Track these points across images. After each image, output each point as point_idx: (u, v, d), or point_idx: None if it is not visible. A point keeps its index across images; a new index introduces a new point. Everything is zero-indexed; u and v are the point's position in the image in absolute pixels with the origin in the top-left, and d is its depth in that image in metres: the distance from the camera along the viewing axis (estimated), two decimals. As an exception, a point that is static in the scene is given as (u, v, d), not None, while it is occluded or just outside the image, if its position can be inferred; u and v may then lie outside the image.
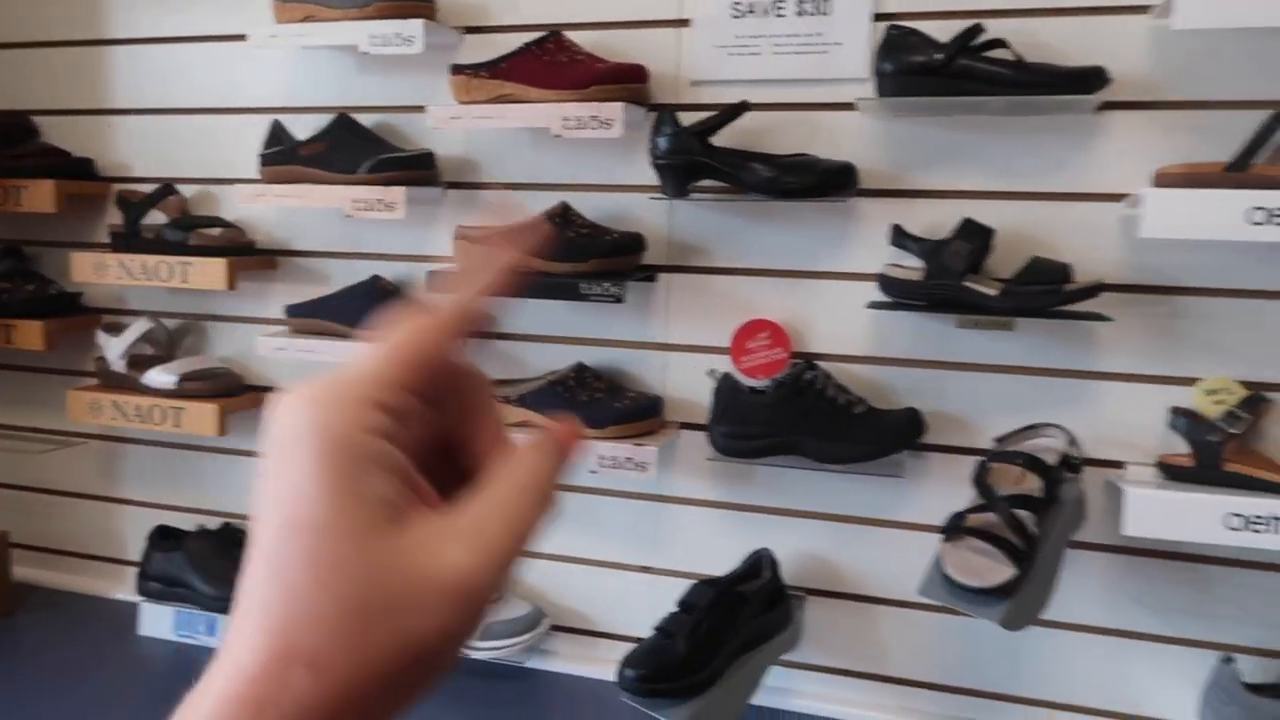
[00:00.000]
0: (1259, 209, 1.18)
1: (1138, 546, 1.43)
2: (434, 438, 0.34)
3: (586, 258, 1.47)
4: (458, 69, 1.55)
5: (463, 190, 1.68)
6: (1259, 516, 1.23)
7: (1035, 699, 1.51)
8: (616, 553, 1.68)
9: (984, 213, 1.41)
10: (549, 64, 1.48)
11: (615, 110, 1.44)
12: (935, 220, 1.43)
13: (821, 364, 1.50)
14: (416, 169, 1.60)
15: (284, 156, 1.68)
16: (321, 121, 1.68)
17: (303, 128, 1.71)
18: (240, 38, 1.71)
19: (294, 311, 1.72)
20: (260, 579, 0.28)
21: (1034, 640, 1.49)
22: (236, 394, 1.81)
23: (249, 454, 1.87)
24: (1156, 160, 1.33)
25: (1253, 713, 1.32)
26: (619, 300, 1.45)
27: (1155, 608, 1.44)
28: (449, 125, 1.54)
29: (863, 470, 1.45)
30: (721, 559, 1.57)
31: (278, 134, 1.71)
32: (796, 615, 1.53)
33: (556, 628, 1.71)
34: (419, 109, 1.64)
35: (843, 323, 1.52)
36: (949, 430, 1.49)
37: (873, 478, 1.50)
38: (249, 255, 1.77)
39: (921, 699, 1.56)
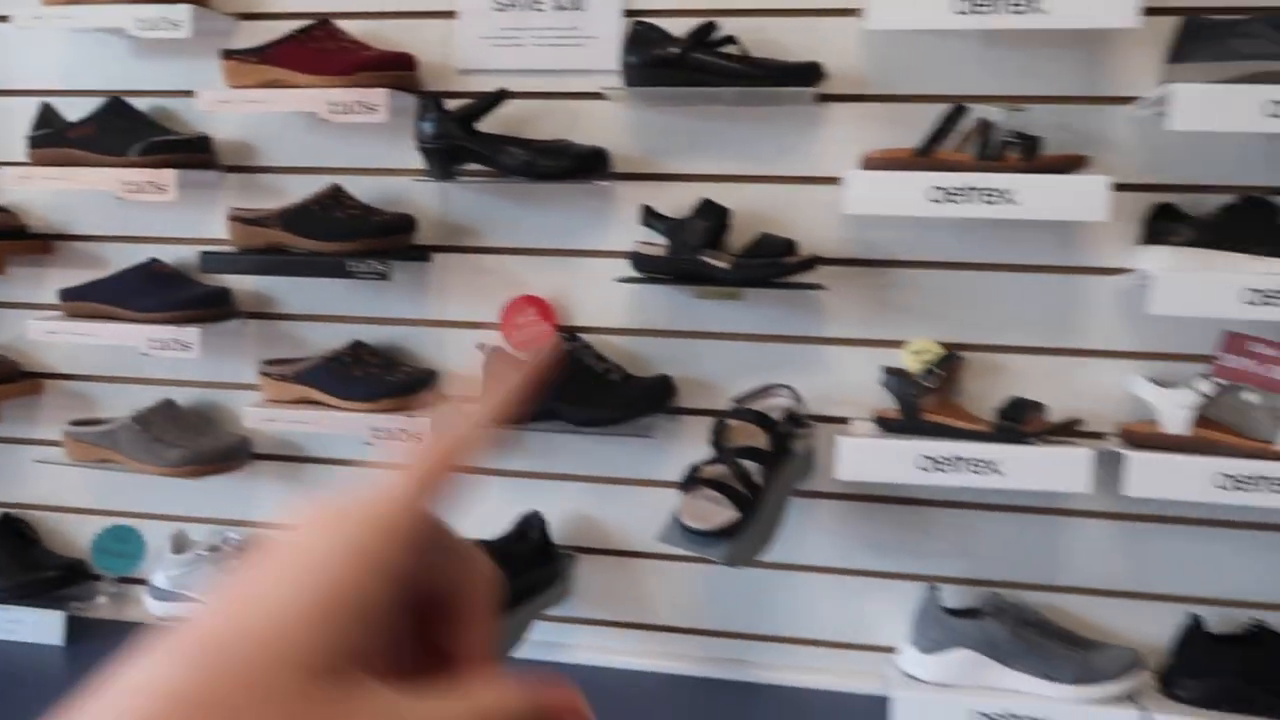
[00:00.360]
0: (938, 189, 1.36)
1: (863, 493, 1.60)
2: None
3: (355, 237, 1.54)
4: (227, 54, 1.59)
5: (241, 174, 1.71)
6: (945, 458, 1.41)
7: (783, 636, 1.66)
8: (402, 523, 1.75)
9: (724, 194, 1.55)
10: (316, 51, 1.54)
11: (380, 96, 1.51)
12: (683, 201, 1.56)
13: (584, 336, 1.62)
14: (189, 152, 1.63)
15: (53, 139, 1.68)
16: (97, 105, 1.69)
17: (79, 111, 1.70)
18: (4, 19, 1.69)
19: (68, 295, 1.72)
20: (181, 664, 0.25)
21: (779, 583, 1.65)
22: (10, 380, 1.78)
23: (24, 442, 1.85)
24: (866, 146, 1.50)
25: (951, 632, 1.50)
26: (384, 277, 1.53)
27: (878, 547, 1.62)
28: (219, 109, 1.57)
29: (620, 433, 1.56)
30: (499, 523, 1.67)
31: (47, 116, 1.70)
32: (565, 572, 1.63)
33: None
34: (193, 93, 1.67)
35: (603, 297, 1.63)
36: (698, 394, 1.62)
37: (635, 440, 1.62)
38: (20, 239, 1.75)
39: (684, 644, 1.69)
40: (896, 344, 1.55)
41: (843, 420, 1.59)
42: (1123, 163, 1.47)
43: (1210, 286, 1.33)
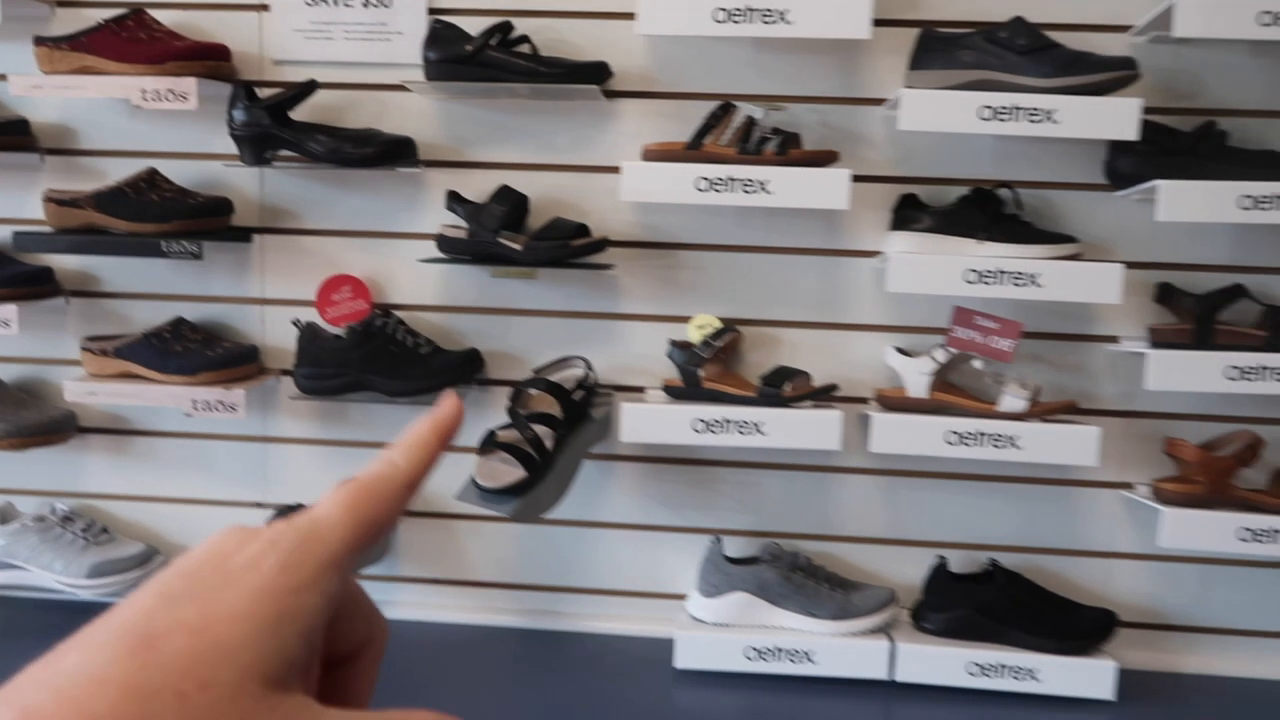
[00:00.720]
0: (703, 179, 1.51)
1: (658, 455, 1.75)
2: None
3: (169, 219, 1.62)
4: (39, 40, 1.64)
5: (62, 156, 1.76)
6: (715, 420, 1.57)
7: (588, 588, 1.81)
8: (229, 491, 1.83)
9: (525, 181, 1.68)
10: (128, 40, 1.60)
11: (190, 85, 1.58)
12: (488, 187, 1.68)
13: (399, 313, 1.72)
14: (6, 135, 1.67)
15: None
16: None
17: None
18: None
19: (-113, 274, 1.74)
20: (115, 653, 0.25)
21: (585, 539, 1.79)
22: None
23: None
24: (652, 139, 1.64)
25: (729, 578, 1.67)
26: (197, 257, 1.61)
27: (672, 504, 1.78)
28: (31, 94, 1.62)
29: (431, 402, 1.68)
30: (319, 489, 1.77)
31: None
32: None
33: (175, 565, 1.84)
34: (4, 78, 1.71)
35: (415, 276, 1.74)
36: (506, 365, 1.75)
37: (446, 410, 1.74)
38: None
39: (501, 598, 1.83)
40: (684, 319, 1.71)
41: (639, 389, 1.74)
42: (877, 157, 1.65)
43: (936, 267, 1.52)
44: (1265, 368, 1.49)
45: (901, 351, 1.65)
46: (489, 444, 1.56)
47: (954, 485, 1.73)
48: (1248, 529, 1.52)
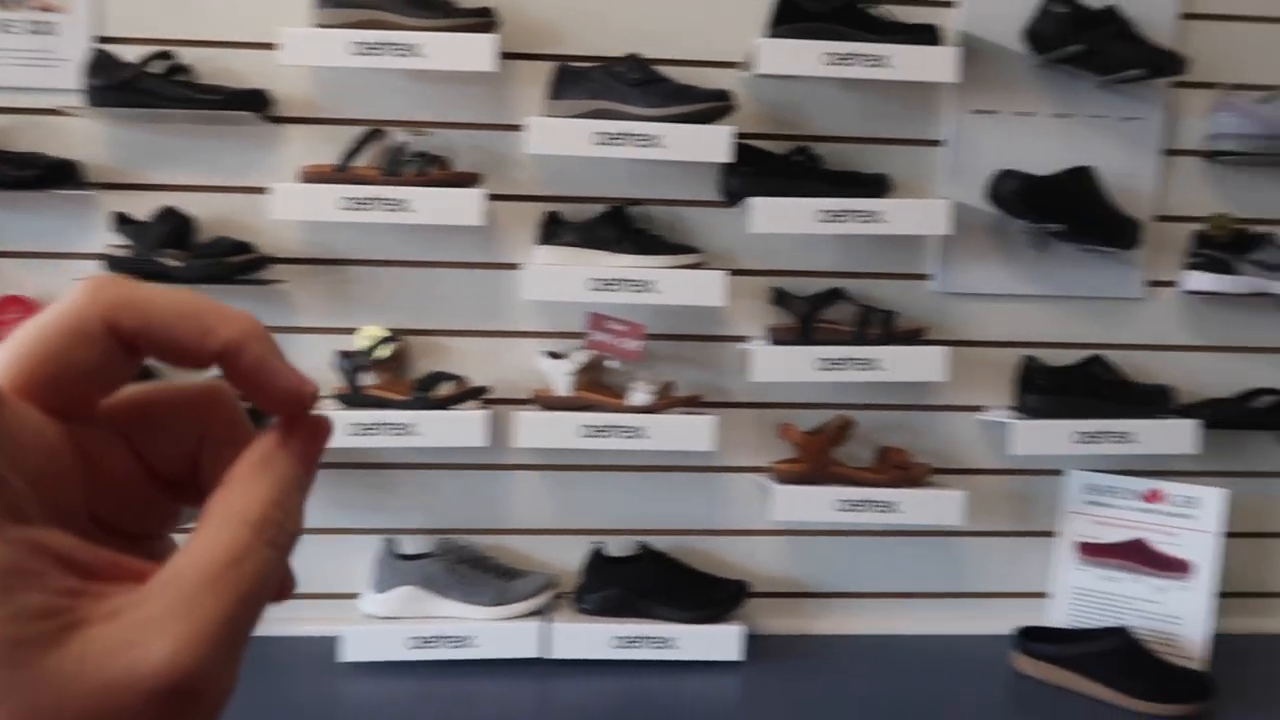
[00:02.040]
0: (348, 198, 1.63)
1: (338, 461, 1.85)
2: (155, 463, 0.28)
3: None
4: None
5: None
6: (370, 424, 1.68)
7: (308, 593, 1.87)
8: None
9: (201, 202, 1.76)
10: None
11: None
12: (162, 208, 1.75)
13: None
14: None
15: None
16: None
17: None
18: None
19: None
20: None
21: (302, 546, 1.86)
22: None
23: None
24: (315, 162, 1.76)
25: (398, 573, 1.77)
26: None
27: (352, 508, 1.87)
28: None
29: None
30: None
31: None
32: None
33: None
34: None
35: (88, 294, 1.79)
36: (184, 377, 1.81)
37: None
38: None
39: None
40: (355, 331, 1.82)
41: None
42: (526, 178, 1.81)
43: (565, 277, 1.69)
44: (850, 359, 1.72)
45: (554, 355, 1.81)
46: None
47: (612, 476, 1.89)
48: (844, 500, 1.75)
